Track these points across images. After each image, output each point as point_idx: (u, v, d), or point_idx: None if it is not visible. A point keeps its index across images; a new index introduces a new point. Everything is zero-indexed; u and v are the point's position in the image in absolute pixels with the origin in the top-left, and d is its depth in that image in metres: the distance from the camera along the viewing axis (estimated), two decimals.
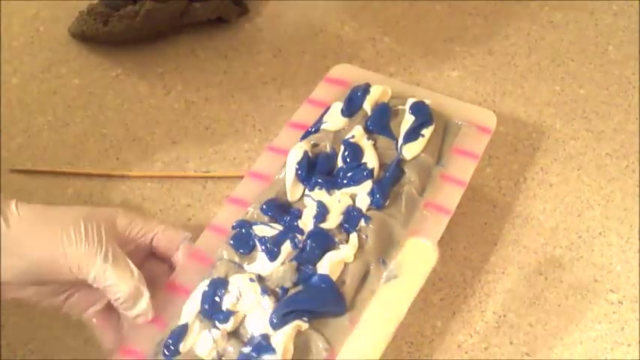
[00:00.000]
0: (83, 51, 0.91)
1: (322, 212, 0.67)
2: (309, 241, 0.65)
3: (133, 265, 0.61)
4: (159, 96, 0.87)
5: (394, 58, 0.90)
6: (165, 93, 0.88)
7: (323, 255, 0.65)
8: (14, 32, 0.93)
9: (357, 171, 0.69)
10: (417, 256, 0.63)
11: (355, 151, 0.70)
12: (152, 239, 0.65)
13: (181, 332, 0.61)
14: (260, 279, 0.64)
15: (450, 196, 0.69)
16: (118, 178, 0.80)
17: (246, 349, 0.60)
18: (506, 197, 0.79)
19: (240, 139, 0.83)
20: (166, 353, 0.61)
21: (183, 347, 0.61)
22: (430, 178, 0.70)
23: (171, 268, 0.66)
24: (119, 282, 0.61)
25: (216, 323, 0.62)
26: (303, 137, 0.73)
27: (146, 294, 0.62)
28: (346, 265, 0.65)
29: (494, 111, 0.84)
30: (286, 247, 0.66)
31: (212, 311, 0.62)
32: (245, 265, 0.65)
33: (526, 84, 0.88)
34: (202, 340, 0.61)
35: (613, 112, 0.85)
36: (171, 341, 0.61)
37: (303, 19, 0.94)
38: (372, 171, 0.69)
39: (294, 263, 0.64)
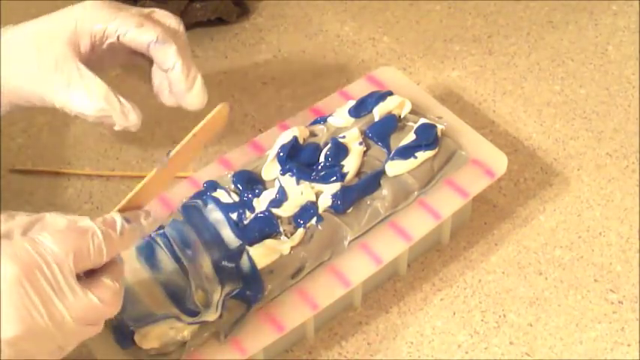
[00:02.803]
0: None
1: (280, 199, 0.68)
2: (252, 222, 0.67)
3: (99, 84, 0.60)
4: None
5: (394, 58, 0.90)
6: None
7: (262, 239, 0.66)
8: None
9: (330, 171, 0.69)
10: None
11: (339, 151, 0.70)
12: (118, 37, 0.64)
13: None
14: None
15: (418, 224, 0.69)
16: (118, 178, 0.81)
17: None
18: (506, 197, 0.79)
19: (240, 139, 0.83)
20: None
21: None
22: (407, 200, 0.69)
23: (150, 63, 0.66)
24: (85, 108, 0.60)
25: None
26: (312, 124, 0.74)
27: (119, 109, 0.61)
28: (281, 256, 0.65)
29: (494, 111, 0.85)
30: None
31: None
32: None
33: (526, 84, 0.88)
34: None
35: (613, 112, 0.85)
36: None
37: (303, 19, 0.94)
38: (344, 175, 0.69)
39: None
